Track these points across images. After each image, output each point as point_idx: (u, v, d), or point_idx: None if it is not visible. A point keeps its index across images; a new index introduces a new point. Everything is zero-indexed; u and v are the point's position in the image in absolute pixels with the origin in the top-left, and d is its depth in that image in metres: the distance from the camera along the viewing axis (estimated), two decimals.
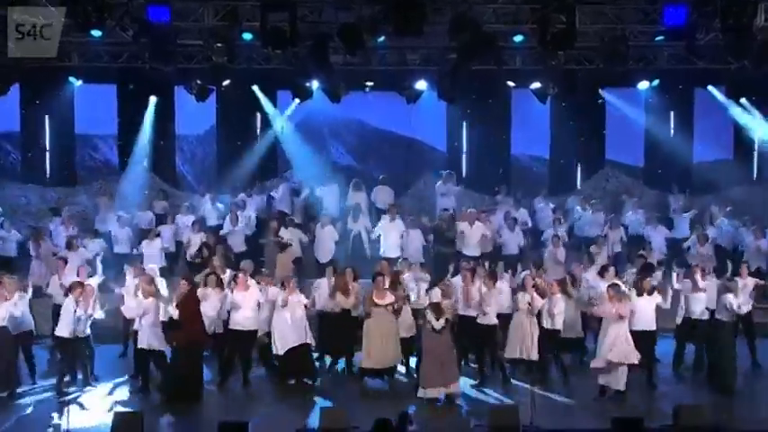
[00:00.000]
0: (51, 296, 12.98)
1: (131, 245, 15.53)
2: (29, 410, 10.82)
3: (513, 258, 15.12)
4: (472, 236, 15.37)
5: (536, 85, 16.72)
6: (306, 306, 12.08)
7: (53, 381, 11.63)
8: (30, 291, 12.06)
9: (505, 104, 18.43)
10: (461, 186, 17.54)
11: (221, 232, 15.64)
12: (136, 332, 11.52)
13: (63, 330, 11.36)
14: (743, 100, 17.67)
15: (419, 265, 13.48)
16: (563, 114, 18.32)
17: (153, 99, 17.85)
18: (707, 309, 12.24)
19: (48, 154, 18.13)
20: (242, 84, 17.27)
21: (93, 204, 17.38)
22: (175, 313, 11.13)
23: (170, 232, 15.90)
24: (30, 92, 17.56)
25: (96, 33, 14.29)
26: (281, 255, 14.67)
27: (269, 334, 12.00)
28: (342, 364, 12.65)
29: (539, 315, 11.87)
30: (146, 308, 11.23)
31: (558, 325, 11.98)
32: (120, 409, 10.42)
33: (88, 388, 11.59)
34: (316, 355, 12.50)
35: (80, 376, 11.75)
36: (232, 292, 11.83)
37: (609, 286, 11.48)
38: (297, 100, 17.20)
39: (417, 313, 11.88)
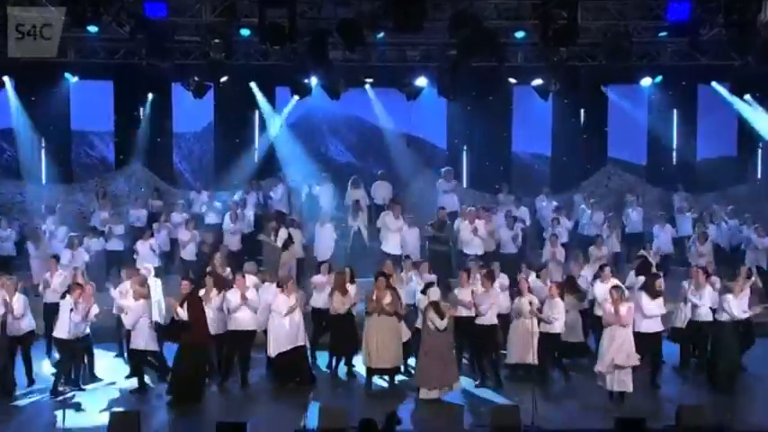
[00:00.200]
0: (42, 295, 12.85)
1: (124, 243, 15.37)
2: (26, 411, 10.77)
3: (512, 258, 15.06)
4: (472, 235, 15.24)
5: (538, 81, 16.63)
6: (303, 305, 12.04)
7: (51, 380, 11.55)
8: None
9: (506, 101, 18.35)
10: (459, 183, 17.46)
11: (224, 228, 15.50)
12: (129, 332, 11.47)
13: (61, 332, 11.27)
14: (747, 96, 17.56)
15: (426, 265, 13.33)
16: (565, 111, 18.26)
17: (150, 96, 17.78)
18: (711, 309, 12.12)
19: (43, 151, 18.02)
20: (240, 80, 17.22)
21: (90, 202, 17.23)
22: (184, 314, 11.04)
23: (164, 231, 15.77)
24: (25, 88, 17.45)
25: (92, 29, 14.18)
26: (284, 254, 14.57)
27: (266, 333, 11.92)
28: (341, 363, 12.54)
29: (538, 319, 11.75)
30: (137, 310, 11.18)
31: (559, 328, 11.86)
32: (116, 408, 10.34)
33: (85, 388, 11.55)
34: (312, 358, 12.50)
35: (81, 372, 11.68)
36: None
37: (612, 288, 11.35)
38: (296, 97, 17.05)
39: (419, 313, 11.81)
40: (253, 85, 17.84)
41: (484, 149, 18.53)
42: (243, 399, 11.41)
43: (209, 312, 11.59)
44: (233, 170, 18.05)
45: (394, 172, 17.96)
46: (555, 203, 16.96)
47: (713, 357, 11.82)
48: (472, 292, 11.94)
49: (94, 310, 11.50)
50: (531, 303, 11.64)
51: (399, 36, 15.12)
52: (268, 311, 11.90)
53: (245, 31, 14.82)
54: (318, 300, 12.78)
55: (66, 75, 17.24)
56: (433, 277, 12.74)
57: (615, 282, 11.99)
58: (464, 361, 12.39)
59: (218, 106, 18.16)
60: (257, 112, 18.38)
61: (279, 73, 16.88)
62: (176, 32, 15.05)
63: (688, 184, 17.84)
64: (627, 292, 11.60)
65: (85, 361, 11.74)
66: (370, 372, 11.74)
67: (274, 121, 18.13)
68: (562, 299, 11.97)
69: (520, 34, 15.23)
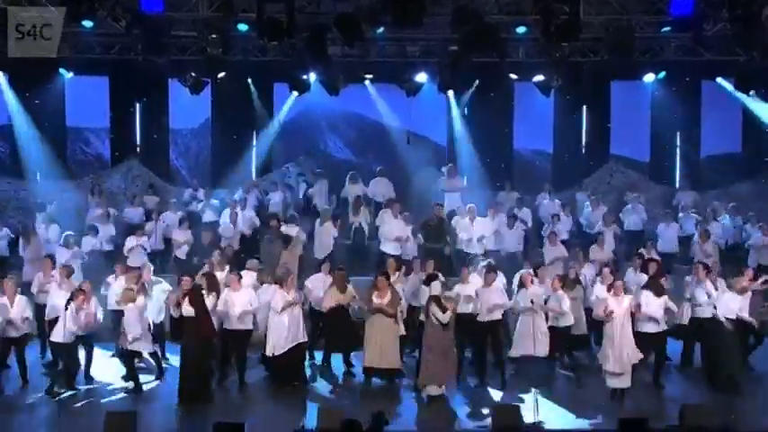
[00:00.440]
0: (35, 295, 12.69)
1: (115, 242, 15.24)
2: (21, 412, 10.70)
3: (512, 256, 15.00)
4: (474, 233, 15.11)
5: (539, 77, 16.53)
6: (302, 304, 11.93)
7: (46, 381, 11.46)
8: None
9: (508, 97, 18.25)
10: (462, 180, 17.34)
11: (220, 230, 15.39)
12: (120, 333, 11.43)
13: (57, 336, 11.17)
14: (751, 92, 17.35)
15: (432, 264, 13.16)
16: (567, 108, 18.15)
17: (146, 92, 17.64)
18: (714, 307, 11.94)
19: (38, 148, 17.78)
20: (237, 76, 17.13)
21: (85, 199, 17.08)
22: (191, 309, 10.95)
23: (159, 230, 15.58)
24: (19, 84, 17.33)
25: (87, 24, 14.14)
26: (284, 253, 14.43)
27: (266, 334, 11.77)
28: (340, 362, 12.47)
29: (546, 315, 11.71)
30: (132, 310, 11.17)
31: (568, 322, 11.87)
32: (112, 409, 10.14)
33: (81, 388, 11.44)
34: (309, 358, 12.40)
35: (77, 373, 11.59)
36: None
37: (610, 284, 11.35)
38: (294, 93, 16.90)
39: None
40: (250, 81, 17.74)
41: (485, 146, 18.39)
42: (241, 399, 11.32)
43: None
44: (230, 167, 17.94)
45: (394, 169, 17.82)
46: (558, 201, 16.85)
47: (713, 356, 11.73)
48: (476, 293, 11.87)
49: (96, 316, 11.45)
50: (532, 301, 11.54)
51: (399, 31, 15.13)
52: (267, 310, 11.75)
53: (242, 27, 14.76)
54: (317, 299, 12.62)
55: (61, 70, 17.13)
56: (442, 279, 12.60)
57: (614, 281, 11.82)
58: (466, 358, 12.25)
59: (215, 102, 18.07)
60: (255, 109, 18.23)
61: (277, 69, 16.79)
62: (173, 27, 15.01)
63: (691, 181, 17.75)
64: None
65: (83, 361, 11.67)
66: (369, 371, 11.64)
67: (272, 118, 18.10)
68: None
69: (521, 29, 15.17)
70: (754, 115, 17.56)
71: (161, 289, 12.36)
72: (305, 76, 16.23)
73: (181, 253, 15.06)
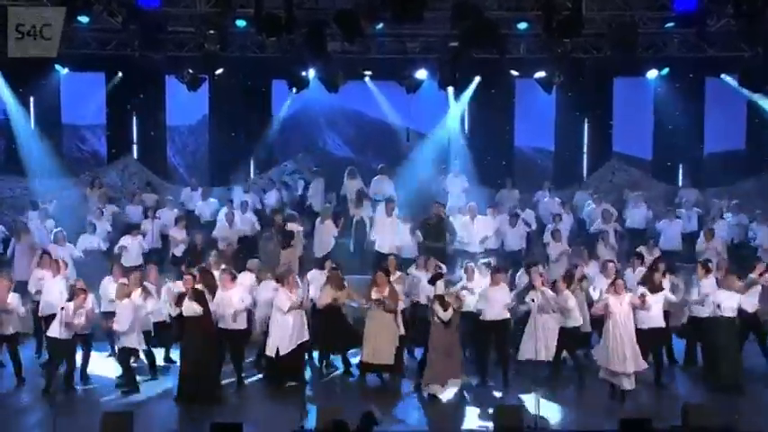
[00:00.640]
0: (30, 293, 12.64)
1: (111, 240, 15.13)
2: (17, 411, 10.69)
3: (515, 255, 14.92)
4: (474, 231, 15.04)
5: (541, 74, 16.39)
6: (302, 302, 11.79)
7: (41, 380, 11.43)
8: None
9: (509, 94, 18.22)
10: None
11: (215, 233, 15.25)
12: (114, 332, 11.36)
13: (54, 331, 11.07)
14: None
15: (433, 262, 13.06)
16: (569, 105, 18.09)
17: (143, 88, 17.59)
18: (718, 306, 11.77)
19: (34, 145, 17.70)
20: (235, 72, 17.06)
21: (84, 198, 16.96)
22: (197, 307, 10.86)
23: (156, 227, 15.45)
24: (14, 81, 17.21)
25: (83, 19, 14.08)
26: (284, 252, 14.37)
27: (266, 333, 11.70)
28: (338, 362, 12.42)
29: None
30: (126, 309, 11.10)
31: (578, 321, 11.77)
32: (108, 409, 10.17)
33: (77, 388, 11.40)
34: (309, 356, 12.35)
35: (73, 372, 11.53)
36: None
37: (611, 282, 11.29)
38: (293, 89, 16.77)
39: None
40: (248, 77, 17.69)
41: (486, 144, 18.33)
42: (238, 399, 11.25)
43: None
44: (228, 165, 17.90)
45: (393, 166, 17.72)
46: (557, 199, 16.77)
47: (712, 355, 11.65)
48: (482, 292, 11.77)
49: (94, 311, 11.42)
50: (544, 294, 11.47)
51: (399, 27, 15.10)
52: (266, 308, 11.69)
53: (240, 22, 14.74)
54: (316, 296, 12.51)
55: (57, 66, 17.00)
56: (443, 269, 12.54)
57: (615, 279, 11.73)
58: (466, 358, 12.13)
59: (212, 99, 18.04)
60: (253, 106, 18.14)
61: (275, 65, 16.73)
62: (170, 23, 14.96)
63: (695, 178, 17.69)
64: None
65: (79, 361, 11.58)
66: (366, 367, 11.58)
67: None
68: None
69: (522, 25, 15.13)
70: (758, 112, 17.47)
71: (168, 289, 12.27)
72: (304, 73, 16.12)
73: (178, 251, 14.96)
